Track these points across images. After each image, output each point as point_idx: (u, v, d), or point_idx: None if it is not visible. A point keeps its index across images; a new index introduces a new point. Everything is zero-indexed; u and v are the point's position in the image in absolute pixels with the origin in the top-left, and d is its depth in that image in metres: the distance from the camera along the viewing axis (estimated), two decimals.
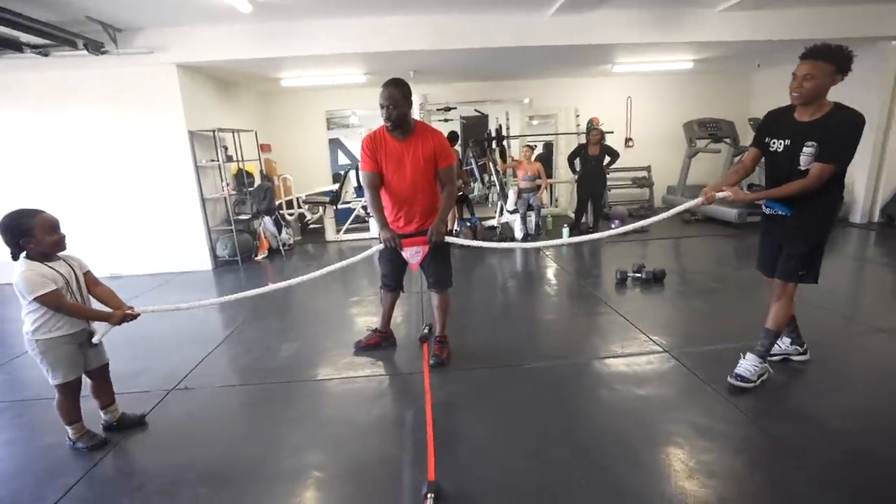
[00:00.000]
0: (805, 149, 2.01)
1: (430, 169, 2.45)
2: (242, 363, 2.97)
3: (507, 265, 5.15)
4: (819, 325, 3.01)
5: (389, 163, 2.44)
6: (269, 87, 6.99)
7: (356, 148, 8.44)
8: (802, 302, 3.43)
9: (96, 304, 2.04)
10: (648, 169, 7.63)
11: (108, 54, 4.76)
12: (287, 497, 1.77)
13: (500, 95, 7.83)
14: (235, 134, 5.83)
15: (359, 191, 8.08)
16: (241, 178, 5.88)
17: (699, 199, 2.19)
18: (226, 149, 5.73)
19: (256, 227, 6.04)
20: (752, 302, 3.41)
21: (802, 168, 2.03)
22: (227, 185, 5.64)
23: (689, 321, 3.33)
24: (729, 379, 2.31)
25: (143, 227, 5.39)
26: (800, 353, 2.53)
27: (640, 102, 7.89)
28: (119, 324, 1.98)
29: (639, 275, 4.06)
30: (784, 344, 2.54)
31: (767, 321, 2.30)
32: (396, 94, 2.30)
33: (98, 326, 2.06)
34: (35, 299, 1.78)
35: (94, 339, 2.03)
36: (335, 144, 9.55)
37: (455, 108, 7.75)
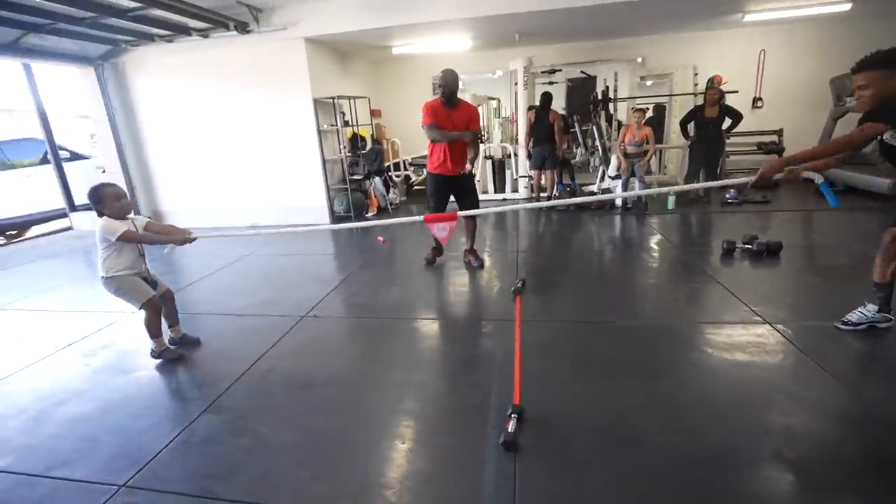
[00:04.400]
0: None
1: (467, 128, 3.55)
2: (358, 301, 3.46)
3: (605, 231, 5.08)
4: None
5: (443, 123, 3.52)
6: (381, 56, 7.41)
7: None
8: None
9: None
10: (780, 132, 6.77)
11: (251, 33, 5.48)
12: (395, 402, 2.15)
13: (609, 55, 7.40)
14: (351, 101, 6.36)
15: None
16: (356, 141, 6.45)
17: (781, 174, 2.09)
18: (343, 114, 6.31)
19: (367, 187, 6.62)
20: None
21: None
22: (344, 147, 6.24)
23: (800, 295, 3.10)
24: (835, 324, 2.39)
25: (275, 184, 6.24)
26: (887, 321, 2.44)
27: (775, 57, 6.91)
28: (182, 244, 2.55)
29: (749, 246, 3.79)
30: (870, 312, 2.43)
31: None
32: (452, 78, 3.48)
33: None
34: (119, 238, 2.36)
35: (164, 251, 2.77)
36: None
37: (560, 71, 7.50)
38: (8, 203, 6.71)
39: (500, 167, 7.17)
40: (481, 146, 7.01)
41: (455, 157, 3.64)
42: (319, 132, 5.94)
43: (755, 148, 6.74)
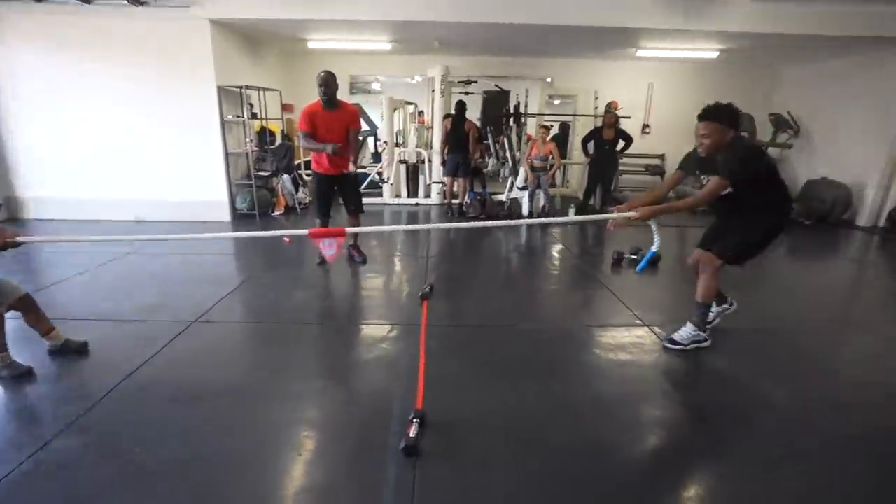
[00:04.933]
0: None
1: (346, 130, 3.74)
2: (258, 304, 3.27)
3: (513, 239, 5.35)
4: (792, 311, 3.21)
5: (323, 126, 3.65)
6: (296, 48, 7.09)
7: (377, 115, 8.54)
8: (785, 290, 3.61)
9: None
10: (662, 157, 7.66)
11: (146, 5, 4.93)
12: (293, 412, 2.05)
13: (522, 72, 7.83)
14: (261, 92, 6.00)
15: (376, 157, 8.25)
16: (264, 135, 6.09)
17: (634, 213, 2.38)
18: (251, 106, 5.92)
19: (275, 185, 6.29)
20: (744, 290, 3.58)
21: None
22: (251, 141, 5.86)
23: (672, 301, 3.52)
24: (662, 341, 2.65)
25: (170, 176, 5.66)
26: (730, 306, 2.88)
27: (661, 89, 7.84)
28: (2, 249, 2.03)
29: (634, 257, 4.23)
30: (713, 309, 2.83)
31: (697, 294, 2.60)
32: (332, 80, 3.62)
33: None
34: None
35: None
36: (357, 108, 9.65)
37: (476, 82, 7.77)
38: None
39: (414, 172, 7.23)
40: (396, 150, 7.03)
41: (335, 158, 3.73)
42: (223, 122, 5.51)
43: (643, 169, 7.56)
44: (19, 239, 2.06)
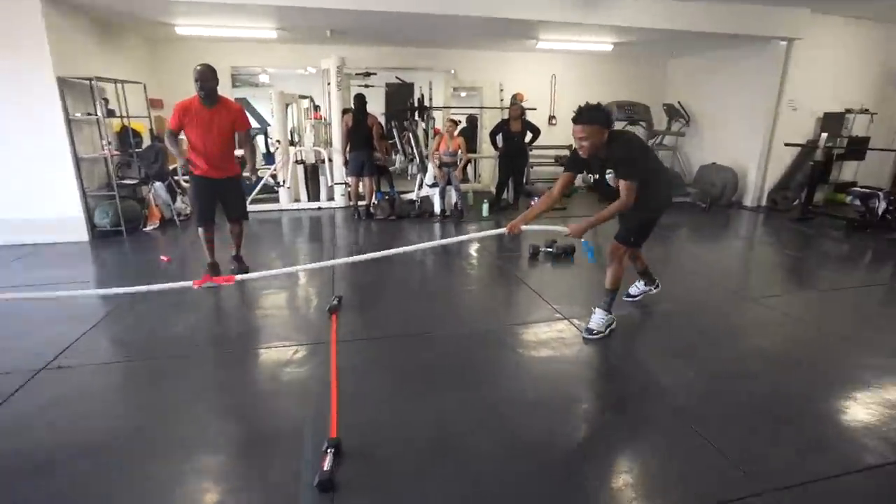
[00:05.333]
0: (608, 176, 2.67)
1: (231, 130, 3.65)
2: (130, 338, 2.91)
3: (425, 239, 5.36)
4: (694, 290, 3.60)
5: (200, 124, 3.53)
6: (162, 34, 6.47)
7: (266, 109, 8.11)
8: (686, 271, 4.02)
9: None
10: (571, 147, 8.19)
11: None
12: (182, 465, 1.84)
13: (424, 63, 7.91)
14: (119, 85, 5.38)
15: (268, 158, 7.83)
16: (127, 136, 5.46)
17: (503, 230, 2.71)
18: (106, 101, 5.28)
19: (146, 194, 5.69)
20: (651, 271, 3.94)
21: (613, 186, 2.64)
22: (109, 144, 5.22)
23: (589, 291, 3.76)
24: (582, 333, 2.85)
25: (3, 188, 4.85)
26: (655, 288, 3.34)
27: (563, 81, 8.39)
28: None
29: (550, 250, 4.46)
30: (639, 287, 3.31)
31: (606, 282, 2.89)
32: (210, 74, 3.50)
33: None
34: None
35: None
36: (241, 105, 9.08)
37: (375, 74, 7.70)
38: None
39: (313, 173, 6.98)
40: (291, 150, 6.73)
41: (215, 161, 3.65)
42: (69, 122, 4.84)
43: (553, 160, 8.02)
44: None
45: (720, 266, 4.52)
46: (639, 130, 7.70)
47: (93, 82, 4.97)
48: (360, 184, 6.21)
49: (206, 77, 3.49)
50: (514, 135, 6.35)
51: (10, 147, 4.77)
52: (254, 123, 9.93)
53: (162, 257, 4.37)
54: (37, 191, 4.91)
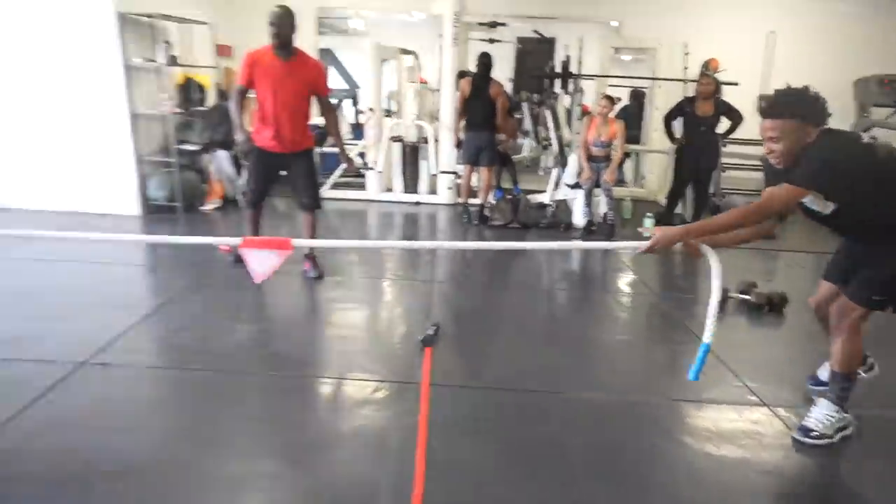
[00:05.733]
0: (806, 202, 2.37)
1: (307, 92, 3.96)
2: (180, 341, 3.26)
3: (558, 261, 5.35)
4: None
5: (273, 80, 3.83)
6: None
7: (356, 63, 8.52)
8: None
9: None
10: None
11: None
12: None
13: (576, 12, 7.92)
14: (184, 26, 6.09)
15: (356, 130, 8.30)
16: (190, 91, 6.16)
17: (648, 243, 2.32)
18: (169, 46, 5.98)
19: (206, 165, 6.33)
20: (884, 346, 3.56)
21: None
22: (169, 98, 5.91)
23: (808, 368, 3.49)
24: (792, 432, 2.58)
25: (48, 146, 5.71)
26: (867, 371, 2.88)
27: (787, 43, 7.90)
28: None
29: (746, 297, 4.21)
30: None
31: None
32: (288, 20, 3.79)
33: None
34: None
35: None
36: (326, 58, 9.79)
37: (505, 25, 7.83)
38: None
39: (412, 155, 7.25)
40: (386, 122, 7.07)
41: (285, 129, 3.94)
42: (127, 68, 5.58)
43: (759, 163, 7.58)
44: None
45: None
46: None
47: (155, 20, 5.68)
48: (475, 176, 6.36)
49: (283, 22, 3.79)
50: (703, 121, 6.11)
51: (61, 94, 5.60)
52: (341, 81, 10.56)
53: (221, 247, 4.82)
54: (84, 150, 5.72)
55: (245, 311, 3.76)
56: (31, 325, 3.28)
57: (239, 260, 4.23)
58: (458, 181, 6.69)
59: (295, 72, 3.89)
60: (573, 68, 7.52)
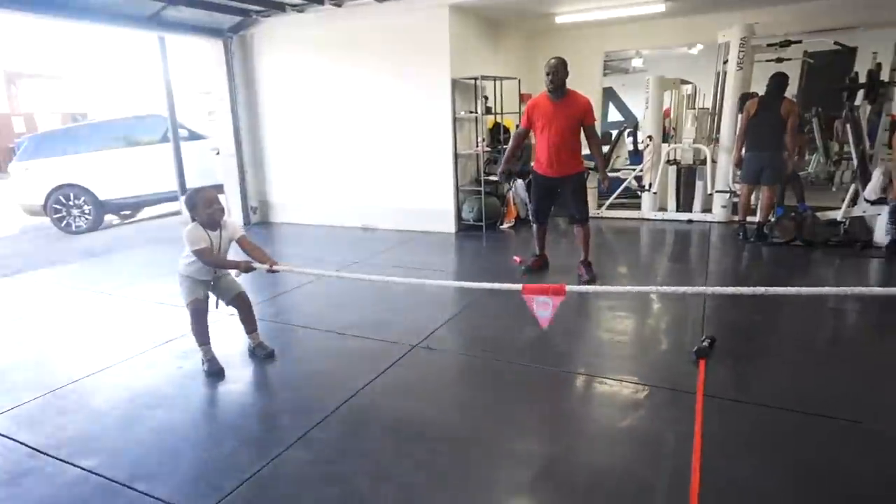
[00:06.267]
0: None
1: (576, 125, 4.20)
2: (481, 335, 3.55)
3: (850, 281, 4.41)
4: None
5: (546, 120, 4.19)
6: (540, 26, 7.54)
7: (636, 101, 8.35)
8: None
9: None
10: None
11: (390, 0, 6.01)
12: (511, 480, 2.14)
13: (877, 16, 6.48)
14: (497, 82, 6.57)
15: (634, 156, 8.06)
16: (497, 133, 6.63)
17: None
18: (486, 99, 6.54)
19: (506, 191, 6.74)
20: None
21: None
22: (482, 140, 6.45)
23: None
24: None
25: (395, 180, 6.72)
26: None
27: None
28: (246, 271, 2.99)
29: None
30: None
31: None
32: (562, 67, 4.10)
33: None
34: (193, 251, 2.92)
35: (233, 275, 3.20)
36: (607, 95, 9.66)
37: (799, 42, 6.74)
38: (126, 182, 8.27)
39: (688, 177, 6.73)
40: (664, 147, 6.70)
41: (556, 157, 4.24)
42: (455, 120, 6.23)
43: None
44: (276, 267, 2.99)
45: None
46: None
47: (478, 81, 6.25)
48: (754, 194, 5.62)
49: (557, 70, 4.06)
50: None
51: (405, 141, 6.53)
52: (618, 115, 10.41)
53: (514, 257, 5.10)
54: (422, 184, 6.57)
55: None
56: (382, 314, 3.91)
57: (530, 268, 4.65)
58: (735, 199, 5.99)
59: (564, 108, 4.17)
60: (884, 76, 6.11)
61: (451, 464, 2.21)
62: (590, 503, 1.99)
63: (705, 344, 3.02)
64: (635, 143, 8.05)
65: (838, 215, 5.45)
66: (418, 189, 6.61)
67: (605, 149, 7.09)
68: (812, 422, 2.40)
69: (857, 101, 5.99)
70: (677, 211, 6.76)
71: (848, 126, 5.51)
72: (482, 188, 6.36)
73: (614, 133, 8.20)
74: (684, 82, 8.13)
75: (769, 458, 2.16)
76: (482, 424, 2.50)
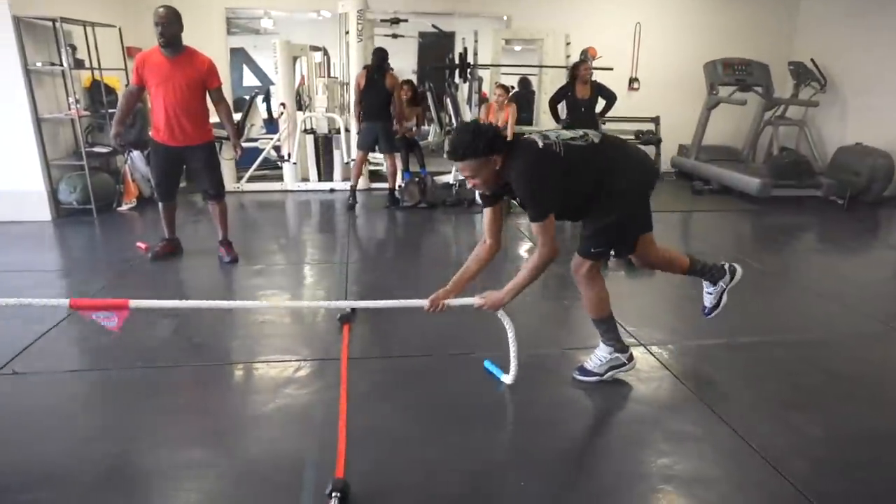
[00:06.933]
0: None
1: (197, 87, 3.94)
2: (96, 343, 3.03)
3: (465, 235, 5.38)
4: (821, 317, 3.47)
5: (161, 79, 3.84)
6: None
7: (268, 63, 8.32)
8: (811, 292, 3.83)
9: None
10: (657, 121, 8.04)
11: None
12: (160, 499, 1.93)
13: (469, 7, 7.94)
14: (89, 28, 5.64)
15: (269, 125, 8.06)
16: (99, 93, 5.74)
17: (426, 302, 2.57)
18: (74, 49, 5.54)
19: (121, 165, 5.95)
20: (764, 293, 3.82)
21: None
22: (77, 102, 5.49)
23: (676, 312, 3.69)
24: (577, 374, 2.73)
25: None
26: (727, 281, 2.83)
27: (651, 32, 8.21)
28: None
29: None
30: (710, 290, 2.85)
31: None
32: (172, 18, 3.77)
33: None
34: None
35: None
36: (238, 57, 9.37)
37: (406, 21, 7.77)
38: None
39: (326, 146, 7.11)
40: (299, 116, 6.88)
41: (176, 124, 3.93)
42: (28, 73, 5.10)
43: (633, 137, 7.89)
44: None
45: (862, 285, 4.32)
46: (753, 99, 7.47)
47: (57, 24, 5.21)
48: (366, 162, 6.33)
49: (167, 20, 3.76)
50: (583, 102, 6.25)
51: None
52: (254, 79, 10.22)
53: (139, 244, 4.54)
54: None
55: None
56: None
57: (157, 256, 4.23)
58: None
59: (182, 68, 3.87)
60: (470, 59, 7.54)
61: None
62: (241, 489, 1.96)
63: (348, 310, 3.27)
64: (269, 109, 8.06)
65: (450, 178, 6.58)
66: None
67: (238, 116, 6.89)
68: (438, 361, 2.89)
69: (456, 79, 7.27)
70: (319, 181, 7.09)
71: (449, 101, 6.66)
72: (85, 162, 5.43)
73: (247, 97, 8.04)
74: (315, 48, 8.45)
75: (404, 400, 2.52)
76: (104, 451, 2.14)
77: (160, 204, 4.29)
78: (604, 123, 6.63)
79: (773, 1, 8.20)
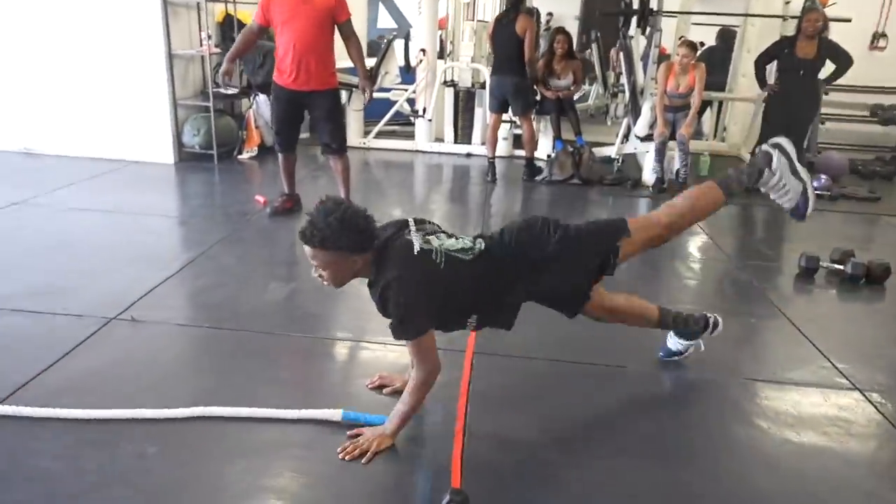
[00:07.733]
0: None
1: (326, 21, 4.12)
2: (212, 299, 3.34)
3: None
4: None
5: (288, 13, 4.05)
6: None
7: (409, 2, 8.51)
8: None
9: None
10: None
11: None
12: (256, 476, 2.06)
13: None
14: None
15: (406, 74, 8.28)
16: (231, 29, 6.18)
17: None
18: None
19: (245, 110, 6.39)
20: None
21: None
22: (209, 38, 5.95)
23: None
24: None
25: (81, 88, 5.86)
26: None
27: None
28: None
29: (840, 267, 4.00)
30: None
31: None
32: None
33: None
34: None
35: None
36: None
37: None
38: None
39: (467, 102, 7.14)
40: (440, 65, 6.95)
41: (301, 64, 4.13)
42: (165, 4, 5.63)
43: (867, 114, 7.13)
44: None
45: None
46: None
47: None
48: (503, 127, 6.29)
49: None
50: (803, 64, 5.74)
51: (95, 34, 5.70)
52: (390, 21, 10.54)
53: (257, 197, 4.90)
54: (119, 95, 5.84)
55: (279, 266, 3.86)
56: (61, 277, 3.43)
57: (276, 212, 4.51)
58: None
59: (310, 1, 4.07)
60: (653, 4, 7.17)
61: (166, 470, 2.03)
62: (345, 481, 2.04)
63: None
64: (407, 57, 8.26)
65: (612, 152, 6.36)
66: (114, 101, 5.84)
67: (372, 63, 7.14)
68: (578, 370, 2.85)
69: (631, 31, 6.95)
70: (455, 142, 7.17)
71: (623, 56, 6.39)
72: (211, 104, 5.91)
73: (382, 42, 8.29)
74: None
75: (534, 408, 2.50)
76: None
77: (280, 155, 4.57)
78: (826, 94, 6.05)
79: None
